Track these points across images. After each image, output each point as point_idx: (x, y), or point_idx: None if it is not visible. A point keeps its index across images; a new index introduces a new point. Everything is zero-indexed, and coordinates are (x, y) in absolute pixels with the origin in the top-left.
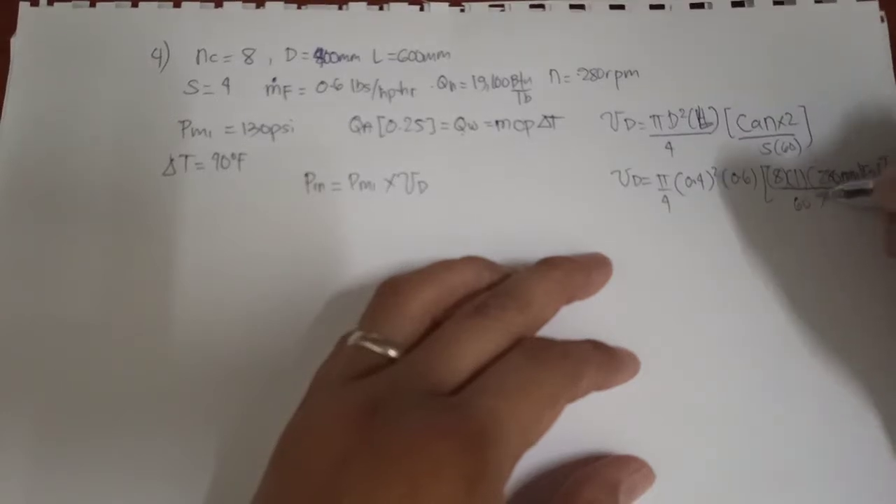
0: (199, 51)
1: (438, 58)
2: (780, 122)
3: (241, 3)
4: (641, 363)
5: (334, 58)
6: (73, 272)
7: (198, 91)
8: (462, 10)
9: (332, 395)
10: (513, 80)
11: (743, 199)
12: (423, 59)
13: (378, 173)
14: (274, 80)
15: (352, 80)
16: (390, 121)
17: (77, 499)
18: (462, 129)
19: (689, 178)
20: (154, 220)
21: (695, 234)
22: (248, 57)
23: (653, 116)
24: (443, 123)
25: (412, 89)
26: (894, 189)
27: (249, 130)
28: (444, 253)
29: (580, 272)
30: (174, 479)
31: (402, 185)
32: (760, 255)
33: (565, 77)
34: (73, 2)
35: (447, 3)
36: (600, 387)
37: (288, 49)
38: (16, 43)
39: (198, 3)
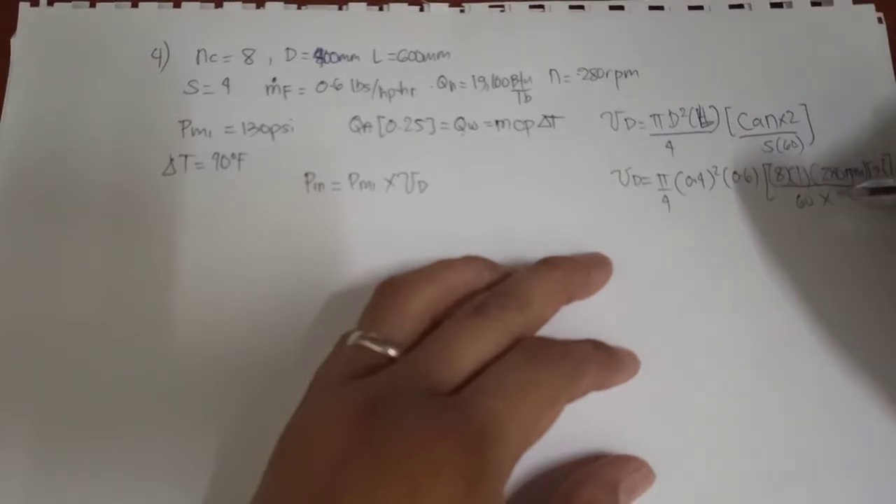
0: (199, 51)
1: (438, 58)
2: (781, 120)
3: (240, 3)
4: (641, 363)
5: (334, 58)
6: (73, 272)
7: (198, 91)
8: (462, 11)
9: (331, 395)
10: (513, 79)
11: (744, 197)
12: (423, 59)
13: (378, 173)
14: (274, 80)
15: (352, 80)
16: (390, 121)
17: (77, 499)
18: (462, 128)
19: (689, 177)
20: (154, 220)
21: (695, 234)
22: (248, 57)
23: (653, 116)
24: (443, 123)
25: (412, 89)
26: None
27: (249, 130)
28: (444, 253)
29: (580, 272)
30: (174, 479)
31: (402, 184)
32: (762, 254)
33: (565, 77)
34: (73, 2)
35: (447, 4)
36: (600, 387)
37: (288, 49)
38: (16, 43)
39: (198, 3)
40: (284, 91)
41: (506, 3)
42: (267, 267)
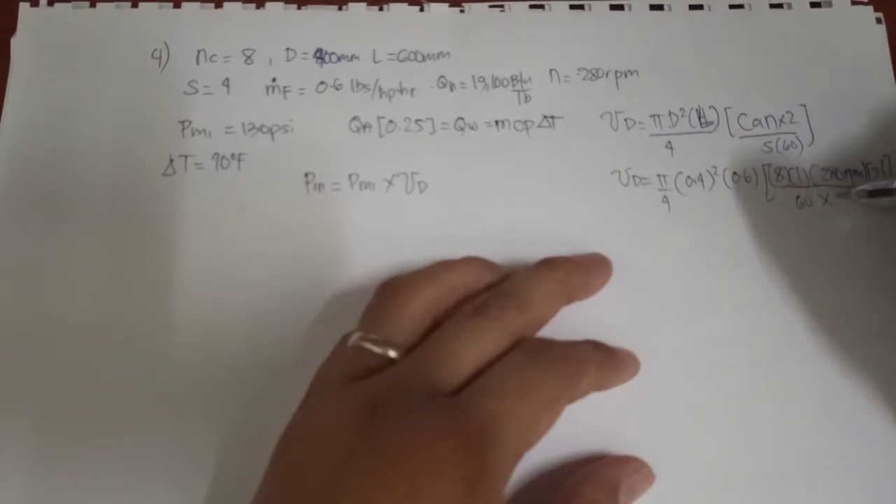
0: (198, 51)
1: (438, 58)
2: (780, 121)
3: (240, 3)
4: (641, 363)
5: (334, 58)
6: (73, 272)
7: (198, 91)
8: (462, 11)
9: (332, 396)
10: (513, 80)
11: (744, 198)
12: (423, 59)
13: (378, 173)
14: (274, 80)
15: (352, 81)
16: (390, 121)
17: (77, 499)
18: (462, 129)
19: (689, 177)
20: (154, 220)
21: (695, 234)
22: (248, 57)
23: (653, 116)
24: (443, 123)
25: (412, 89)
26: None
27: (249, 130)
28: (444, 253)
29: (580, 272)
30: (174, 479)
31: (402, 185)
32: (762, 254)
33: (565, 77)
34: (73, 2)
35: (447, 4)
36: (600, 387)
37: (288, 49)
38: (16, 43)
39: (198, 4)
40: (284, 91)
41: (506, 3)
42: (267, 267)
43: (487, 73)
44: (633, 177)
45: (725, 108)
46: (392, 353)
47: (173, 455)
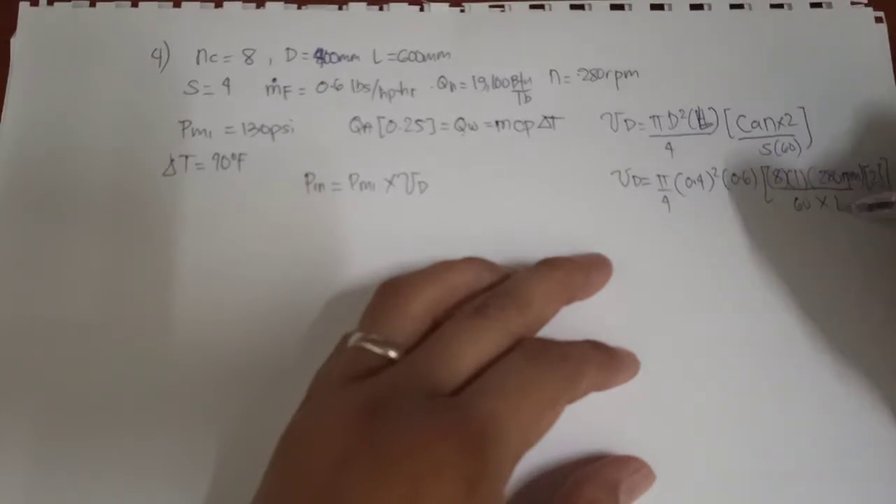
0: (199, 51)
1: (438, 58)
2: (779, 123)
3: (241, 3)
4: (641, 363)
5: (334, 58)
6: (73, 272)
7: (198, 91)
8: (462, 11)
9: (332, 396)
10: (513, 80)
11: (743, 199)
12: (424, 59)
13: (378, 173)
14: (274, 80)
15: (352, 81)
16: (390, 121)
17: (77, 499)
18: (462, 129)
19: (689, 178)
20: (154, 220)
21: (695, 235)
22: (248, 57)
23: (653, 117)
24: (443, 124)
25: (412, 89)
26: None
27: (249, 131)
28: (444, 253)
29: (580, 273)
30: (174, 479)
31: (402, 185)
32: (760, 256)
33: (565, 77)
34: (73, 2)
35: (447, 4)
36: (600, 387)
37: (288, 49)
38: (16, 43)
39: (198, 3)
40: (284, 91)
41: (506, 4)
42: (267, 267)
43: (488, 74)
44: (633, 177)
45: (725, 110)
46: (392, 354)
47: (173, 455)
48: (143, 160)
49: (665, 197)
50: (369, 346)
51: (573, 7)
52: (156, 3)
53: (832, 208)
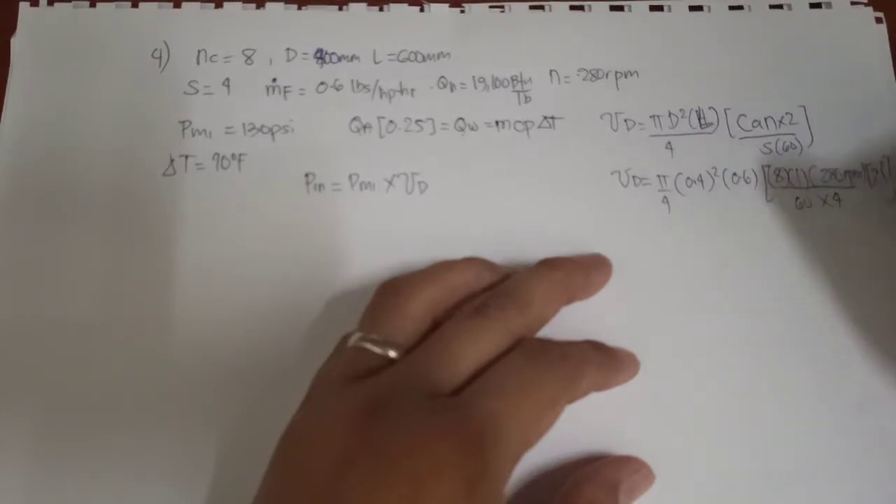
0: (199, 51)
1: (438, 58)
2: (780, 122)
3: (241, 3)
4: (641, 363)
5: (334, 58)
6: (73, 272)
7: (198, 91)
8: (462, 11)
9: (332, 396)
10: (513, 80)
11: (743, 199)
12: (424, 59)
13: (378, 174)
14: (274, 80)
15: (352, 81)
16: (390, 121)
17: (77, 499)
18: (462, 129)
19: (689, 178)
20: (154, 220)
21: (695, 235)
22: (249, 57)
23: (653, 117)
24: (443, 124)
25: (412, 90)
26: None
27: (249, 131)
28: (444, 253)
29: (580, 273)
30: (174, 479)
31: (402, 185)
32: (761, 255)
33: (565, 78)
34: (73, 2)
35: (447, 4)
36: (600, 387)
37: (288, 49)
38: (16, 43)
39: (198, 4)
40: (285, 91)
41: (506, 4)
42: (267, 267)
43: (488, 74)
44: (633, 177)
45: (725, 109)
46: (392, 354)
47: (173, 455)
48: (143, 160)
49: (665, 197)
50: (369, 346)
51: (573, 8)
52: (156, 3)
53: (834, 207)
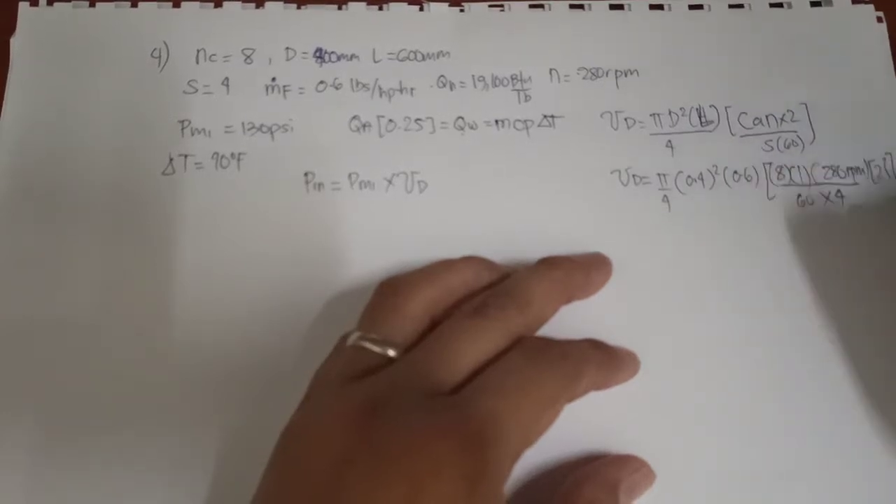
0: (198, 51)
1: (438, 57)
2: (781, 119)
3: (240, 2)
4: (641, 363)
5: (334, 57)
6: (73, 272)
7: (197, 91)
8: (462, 10)
9: (331, 395)
10: (513, 79)
11: (744, 197)
12: (423, 58)
13: (378, 173)
14: (273, 79)
15: (351, 80)
16: (390, 120)
17: (77, 499)
18: (462, 128)
19: (689, 176)
20: (154, 219)
21: (695, 234)
22: (248, 57)
23: (653, 115)
24: (442, 123)
25: (412, 89)
26: None
27: (249, 130)
28: (444, 253)
29: (580, 272)
30: (174, 479)
31: (401, 184)
32: (762, 254)
33: (565, 76)
34: (72, 2)
35: (447, 3)
36: (600, 386)
37: (287, 49)
38: (15, 43)
39: (197, 3)
40: (284, 91)
41: (506, 3)
42: (267, 267)
43: (487, 73)
44: (634, 176)
45: (726, 107)
46: (391, 353)
47: (173, 455)
48: (142, 160)
49: (665, 196)
50: (368, 346)
51: (573, 6)
52: (155, 2)
53: (836, 204)
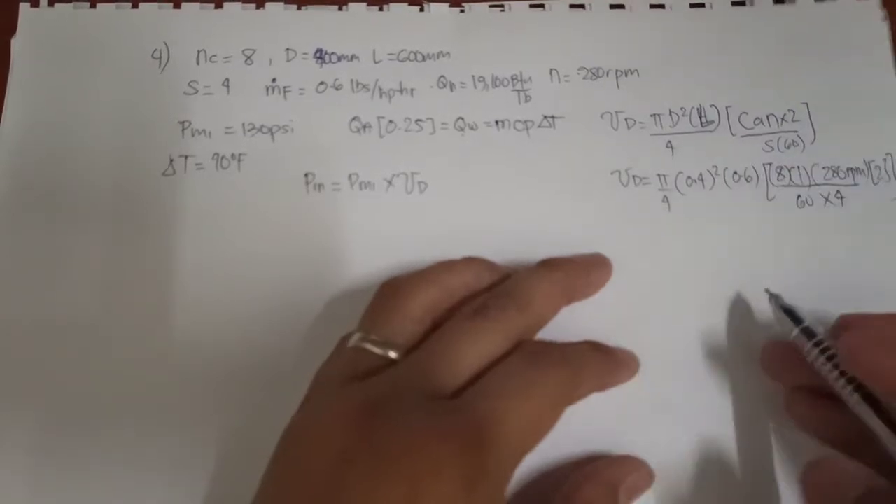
0: (198, 51)
1: (438, 58)
2: (782, 119)
3: (240, 3)
4: (641, 363)
5: (334, 58)
6: (74, 272)
7: (198, 91)
8: (462, 11)
9: (332, 396)
10: (513, 79)
11: (744, 197)
12: (423, 59)
13: (378, 173)
14: (274, 80)
15: (351, 81)
16: (390, 121)
17: (77, 498)
18: (462, 129)
19: (689, 177)
20: (154, 220)
21: (695, 234)
22: (248, 57)
23: (653, 115)
24: (443, 123)
25: (412, 89)
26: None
27: (249, 131)
28: (444, 253)
29: (580, 273)
30: (174, 479)
31: (401, 185)
32: (762, 254)
33: (565, 76)
34: (73, 3)
35: (447, 4)
36: (601, 388)
37: (288, 49)
38: (16, 44)
39: (198, 4)
40: (284, 91)
41: (506, 3)
42: (267, 267)
43: (487, 73)
44: (634, 176)
45: (726, 107)
46: (392, 354)
47: (173, 455)
48: (142, 160)
49: (665, 196)
50: (369, 347)
51: (573, 6)
52: (156, 3)
53: (836, 205)
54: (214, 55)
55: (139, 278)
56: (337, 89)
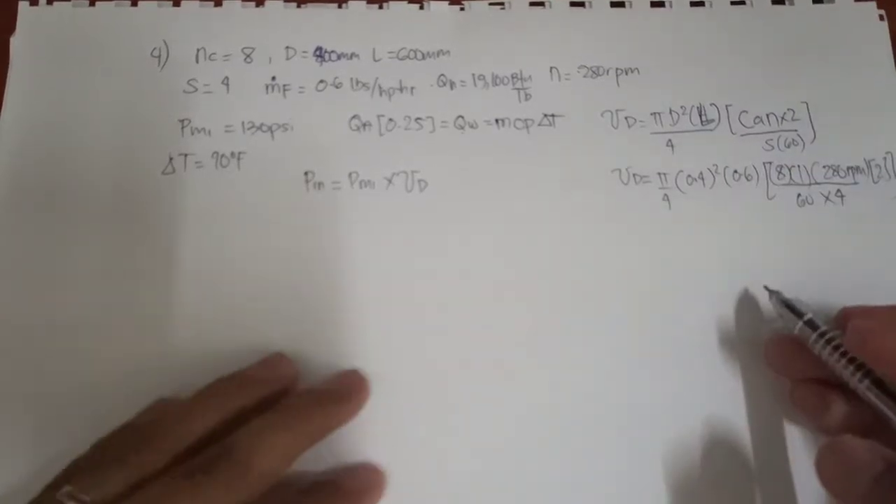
0: (198, 50)
1: (438, 56)
2: (782, 118)
3: (240, 1)
4: (641, 363)
5: (334, 56)
6: (73, 271)
7: (197, 90)
8: (462, 9)
9: None
10: (513, 78)
11: (745, 196)
12: (423, 57)
13: (378, 172)
14: (273, 78)
15: (351, 79)
16: (390, 119)
17: None
18: (462, 127)
19: (689, 175)
20: (154, 219)
21: (695, 233)
22: (248, 56)
23: (654, 114)
24: (443, 122)
25: (412, 88)
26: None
27: (249, 129)
28: (443, 252)
29: (319, 411)
30: None
31: (401, 183)
32: (762, 253)
33: (566, 75)
34: (72, 1)
35: (447, 2)
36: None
37: (287, 48)
38: (15, 43)
39: (197, 2)
40: (284, 90)
41: (506, 1)
42: (267, 266)
43: (487, 72)
44: (634, 175)
45: (727, 106)
46: None
47: None
48: (142, 159)
49: (665, 195)
50: None
51: (573, 4)
52: (155, 2)
53: (836, 203)
54: (214, 53)
55: (139, 277)
56: (337, 87)
